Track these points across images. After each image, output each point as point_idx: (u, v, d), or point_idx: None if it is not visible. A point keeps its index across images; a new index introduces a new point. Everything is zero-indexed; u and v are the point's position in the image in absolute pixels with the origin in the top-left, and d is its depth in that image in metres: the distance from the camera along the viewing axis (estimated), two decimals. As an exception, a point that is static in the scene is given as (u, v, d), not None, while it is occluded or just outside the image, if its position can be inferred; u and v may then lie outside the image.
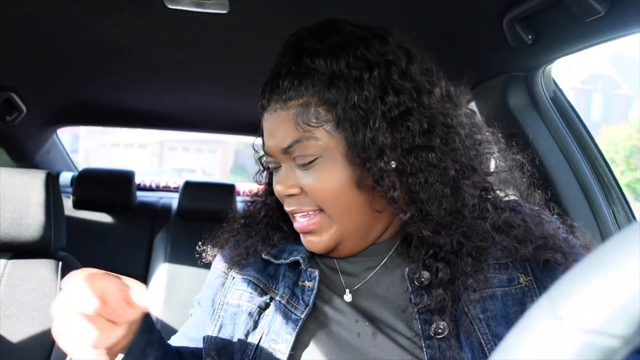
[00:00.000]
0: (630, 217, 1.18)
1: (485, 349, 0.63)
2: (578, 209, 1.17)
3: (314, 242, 0.73)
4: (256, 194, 0.86)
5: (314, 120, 0.67)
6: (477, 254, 0.67)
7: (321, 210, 0.71)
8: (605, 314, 0.24)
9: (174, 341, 0.86)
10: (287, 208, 0.74)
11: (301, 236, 0.75)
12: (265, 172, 0.84)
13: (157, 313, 2.09)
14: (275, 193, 0.74)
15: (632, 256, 0.24)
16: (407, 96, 0.67)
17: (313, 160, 0.68)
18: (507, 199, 0.76)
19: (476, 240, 0.67)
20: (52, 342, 1.20)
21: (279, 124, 0.69)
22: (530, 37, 1.02)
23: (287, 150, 0.69)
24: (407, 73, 0.69)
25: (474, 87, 1.36)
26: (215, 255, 0.87)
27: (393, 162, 0.67)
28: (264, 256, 0.79)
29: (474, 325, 0.65)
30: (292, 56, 0.70)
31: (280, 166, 0.73)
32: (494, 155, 0.76)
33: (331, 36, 0.69)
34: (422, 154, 0.67)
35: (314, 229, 0.72)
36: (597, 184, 1.18)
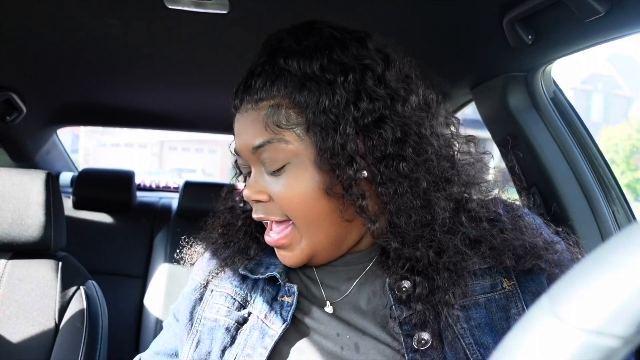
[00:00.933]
0: (630, 217, 1.18)
1: (471, 358, 0.62)
2: (578, 209, 1.17)
3: (286, 257, 0.72)
4: (232, 198, 0.84)
5: (284, 122, 0.66)
6: (454, 267, 0.65)
7: (289, 221, 0.69)
8: (606, 314, 0.24)
9: (148, 356, 0.84)
10: (254, 215, 0.72)
11: (275, 249, 0.74)
12: (240, 176, 0.82)
13: (157, 313, 2.10)
14: (244, 197, 0.72)
15: (632, 256, 0.24)
16: (381, 103, 0.65)
17: (282, 167, 0.67)
18: (492, 205, 0.73)
19: (450, 255, 0.65)
20: (52, 342, 1.20)
21: (248, 123, 0.68)
22: (530, 37, 1.02)
23: (256, 150, 0.67)
24: (383, 79, 0.67)
25: (473, 87, 1.36)
26: (194, 262, 0.85)
27: (364, 170, 0.65)
28: (241, 271, 0.77)
29: (458, 335, 0.63)
30: (268, 56, 0.69)
31: (250, 170, 0.72)
32: (473, 163, 0.73)
33: (309, 37, 0.68)
34: (394, 163, 0.65)
35: (284, 244, 0.70)
36: (597, 184, 1.18)
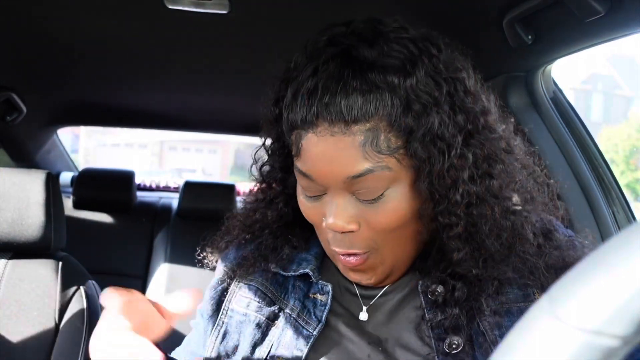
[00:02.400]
0: (630, 217, 1.18)
1: None
2: (578, 209, 1.17)
3: (364, 278, 0.66)
4: (263, 199, 0.75)
5: (384, 149, 0.57)
6: (498, 275, 0.63)
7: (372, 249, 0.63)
8: (605, 314, 0.24)
9: (180, 356, 0.81)
10: (335, 247, 0.64)
11: (343, 270, 0.68)
12: (273, 172, 0.73)
13: (157, 313, 2.09)
14: (327, 227, 0.62)
15: (632, 256, 0.25)
16: (473, 116, 0.60)
17: (381, 195, 0.59)
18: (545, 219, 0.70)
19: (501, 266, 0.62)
20: (52, 342, 1.20)
21: (341, 151, 0.57)
22: (530, 37, 1.02)
23: (352, 180, 0.58)
24: (469, 89, 0.61)
25: (474, 87, 1.36)
26: (217, 260, 0.82)
27: (465, 193, 0.59)
28: (272, 269, 0.73)
29: (490, 341, 0.62)
30: (347, 66, 0.57)
31: (323, 194, 0.63)
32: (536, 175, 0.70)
33: (389, 44, 0.59)
34: (486, 182, 0.60)
35: (364, 269, 0.65)
36: (597, 184, 1.18)
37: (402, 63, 0.57)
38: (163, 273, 2.16)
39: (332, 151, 0.58)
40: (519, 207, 0.64)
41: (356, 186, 0.59)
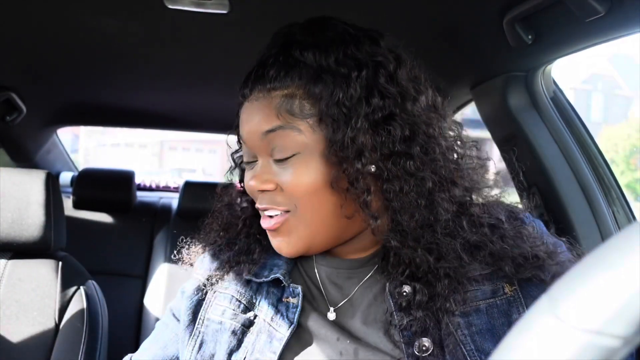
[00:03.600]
0: (630, 217, 1.18)
1: None
2: (578, 209, 1.17)
3: (283, 243, 0.70)
4: (229, 195, 0.82)
5: (297, 112, 0.66)
6: (454, 274, 0.65)
7: (291, 211, 0.69)
8: (606, 314, 0.24)
9: (145, 355, 0.81)
10: (259, 205, 0.71)
11: (271, 239, 0.73)
12: (236, 170, 0.81)
13: (157, 313, 2.10)
14: (247, 188, 0.71)
15: (632, 256, 0.24)
16: (392, 100, 0.66)
17: (292, 156, 0.66)
18: (494, 210, 0.72)
19: (450, 260, 0.64)
20: (52, 342, 1.20)
21: (260, 109, 0.68)
22: (530, 37, 1.02)
23: (266, 135, 0.67)
24: (395, 77, 0.67)
25: (473, 87, 1.36)
26: (193, 262, 0.85)
27: (372, 165, 0.65)
28: (245, 277, 0.76)
29: (459, 342, 0.63)
30: (281, 47, 0.69)
31: (255, 161, 0.71)
32: (476, 167, 0.72)
33: (324, 31, 0.68)
34: (401, 160, 0.65)
35: (281, 229, 0.70)
36: (597, 184, 1.18)
37: (325, 45, 0.67)
38: (163, 273, 2.16)
39: (254, 110, 0.68)
40: (443, 191, 0.67)
41: (271, 144, 0.67)
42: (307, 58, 0.66)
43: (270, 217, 0.70)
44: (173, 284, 2.13)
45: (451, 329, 0.64)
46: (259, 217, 0.74)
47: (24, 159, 2.21)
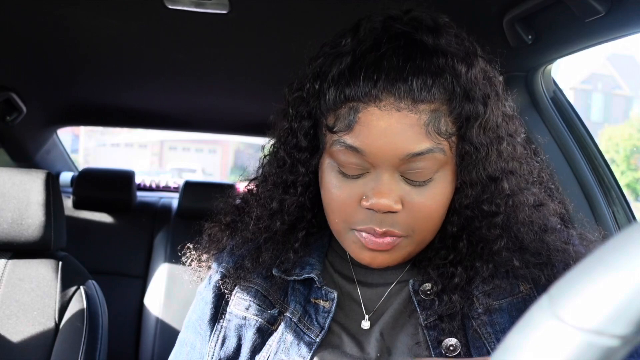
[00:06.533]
0: (630, 217, 1.18)
1: None
2: (578, 209, 1.16)
3: (379, 259, 0.63)
4: (281, 184, 0.70)
5: (443, 131, 0.58)
6: (496, 262, 0.64)
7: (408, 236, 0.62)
8: (605, 314, 0.24)
9: None
10: (378, 228, 0.60)
11: (355, 251, 0.64)
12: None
13: (157, 313, 2.10)
14: (371, 205, 0.59)
15: (632, 256, 0.25)
16: (508, 117, 0.65)
17: (431, 178, 0.59)
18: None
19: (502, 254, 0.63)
20: (52, 342, 1.20)
21: (406, 126, 0.57)
22: (530, 37, 1.02)
23: (410, 158, 0.57)
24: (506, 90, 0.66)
25: (474, 87, 1.36)
26: (210, 264, 0.78)
27: (507, 184, 0.62)
28: (275, 273, 0.71)
29: (484, 341, 0.62)
30: (413, 47, 0.58)
31: (365, 173, 0.60)
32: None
33: (447, 36, 0.60)
34: (518, 174, 0.64)
35: (389, 249, 0.62)
36: (597, 184, 1.18)
37: (464, 54, 0.60)
38: (163, 273, 2.16)
39: (397, 126, 0.57)
40: (543, 201, 0.67)
41: (409, 165, 0.58)
42: (458, 70, 0.58)
43: (382, 240, 0.61)
44: (173, 284, 2.13)
45: (476, 327, 0.63)
46: (296, 224, 0.70)
47: (24, 158, 2.21)
